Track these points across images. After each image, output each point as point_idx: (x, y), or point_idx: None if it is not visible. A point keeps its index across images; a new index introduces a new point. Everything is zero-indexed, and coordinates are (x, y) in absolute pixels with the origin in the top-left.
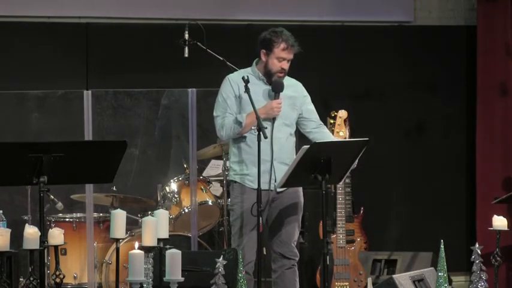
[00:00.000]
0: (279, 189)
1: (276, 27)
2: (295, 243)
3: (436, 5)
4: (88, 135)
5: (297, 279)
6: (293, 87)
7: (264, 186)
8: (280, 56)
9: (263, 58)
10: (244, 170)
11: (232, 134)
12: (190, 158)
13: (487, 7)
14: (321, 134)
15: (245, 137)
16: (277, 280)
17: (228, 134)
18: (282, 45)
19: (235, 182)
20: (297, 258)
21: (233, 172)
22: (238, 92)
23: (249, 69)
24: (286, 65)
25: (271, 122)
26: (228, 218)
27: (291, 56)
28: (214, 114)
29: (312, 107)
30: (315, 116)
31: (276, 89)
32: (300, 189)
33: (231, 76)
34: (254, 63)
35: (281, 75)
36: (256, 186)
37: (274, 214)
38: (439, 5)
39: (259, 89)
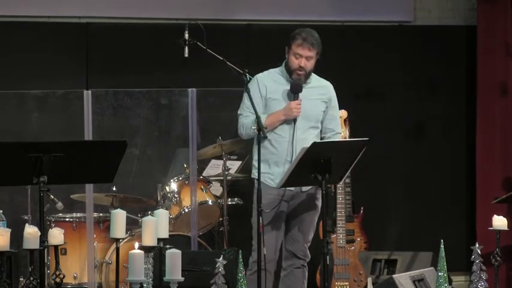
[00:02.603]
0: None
1: (305, 27)
2: (309, 244)
3: (436, 4)
4: (88, 135)
5: (305, 281)
6: (323, 89)
7: None
8: (297, 52)
9: (286, 55)
10: (265, 169)
11: (252, 134)
12: (190, 158)
13: (487, 7)
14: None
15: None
16: (284, 278)
17: (248, 133)
18: (298, 41)
19: (256, 179)
20: (308, 259)
21: (255, 170)
22: (266, 92)
23: (278, 69)
24: (303, 62)
25: (293, 123)
26: (228, 218)
27: (307, 53)
28: (238, 112)
29: (335, 113)
30: (334, 123)
31: (294, 89)
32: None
33: (259, 76)
34: (284, 63)
35: (300, 73)
36: (275, 185)
37: (291, 212)
38: (439, 5)
39: (286, 90)
